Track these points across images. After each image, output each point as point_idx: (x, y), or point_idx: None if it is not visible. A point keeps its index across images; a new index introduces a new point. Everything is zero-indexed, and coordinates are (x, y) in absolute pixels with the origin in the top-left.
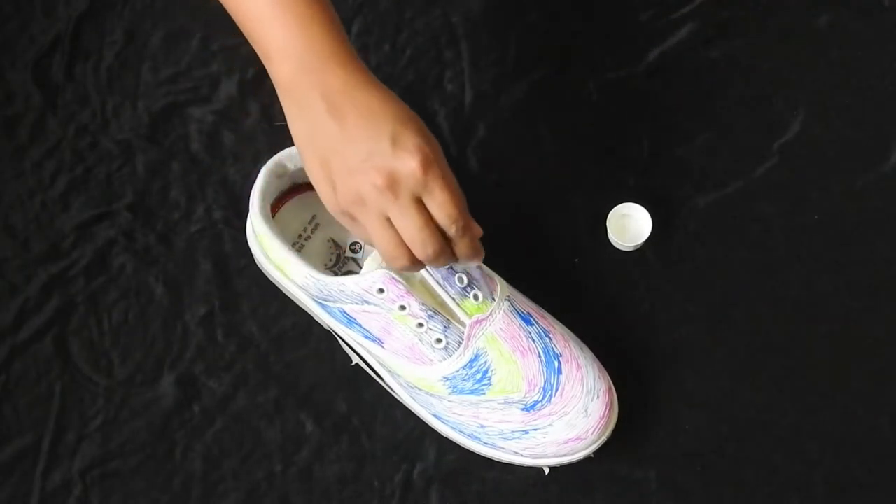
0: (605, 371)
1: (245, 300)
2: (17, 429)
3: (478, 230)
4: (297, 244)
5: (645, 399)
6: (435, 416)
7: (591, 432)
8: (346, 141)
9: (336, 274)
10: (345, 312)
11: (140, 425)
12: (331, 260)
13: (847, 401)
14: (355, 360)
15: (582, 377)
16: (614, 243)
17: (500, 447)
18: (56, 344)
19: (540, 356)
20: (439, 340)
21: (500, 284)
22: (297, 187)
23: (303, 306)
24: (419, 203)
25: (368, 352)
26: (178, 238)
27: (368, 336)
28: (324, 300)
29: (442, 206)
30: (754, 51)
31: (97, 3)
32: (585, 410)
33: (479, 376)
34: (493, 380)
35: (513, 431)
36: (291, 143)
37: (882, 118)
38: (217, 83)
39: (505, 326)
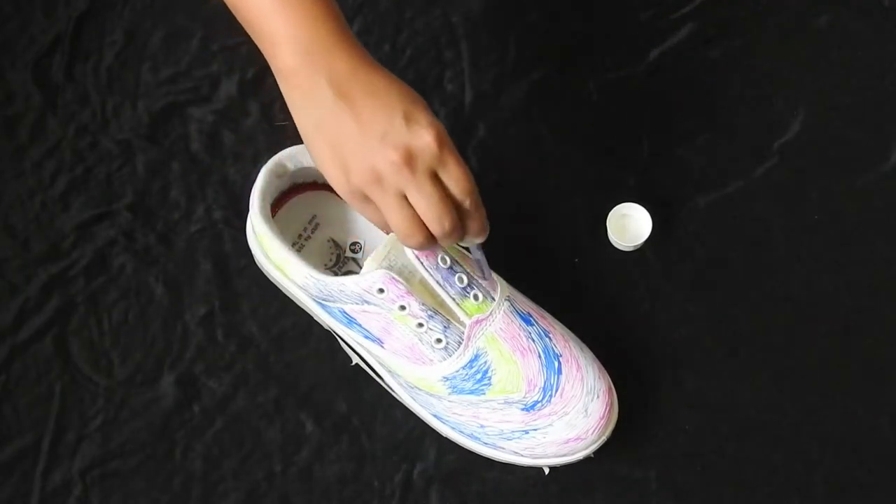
0: (605, 371)
1: (245, 300)
2: (17, 429)
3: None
4: (297, 244)
5: (645, 399)
6: (435, 416)
7: (591, 432)
8: (359, 122)
9: (336, 274)
10: (345, 312)
11: (140, 425)
12: (331, 260)
13: (847, 401)
14: (355, 360)
15: (582, 377)
16: (614, 243)
17: (500, 447)
18: (56, 344)
19: (540, 356)
20: (439, 340)
21: (500, 284)
22: (297, 187)
23: (303, 306)
24: (435, 178)
25: (368, 352)
26: (178, 238)
27: (368, 336)
28: (324, 300)
29: (458, 179)
30: (754, 51)
31: (97, 3)
32: (585, 410)
33: (479, 376)
34: (493, 380)
35: (513, 431)
36: (291, 143)
37: (882, 118)
38: (217, 83)
39: (505, 326)
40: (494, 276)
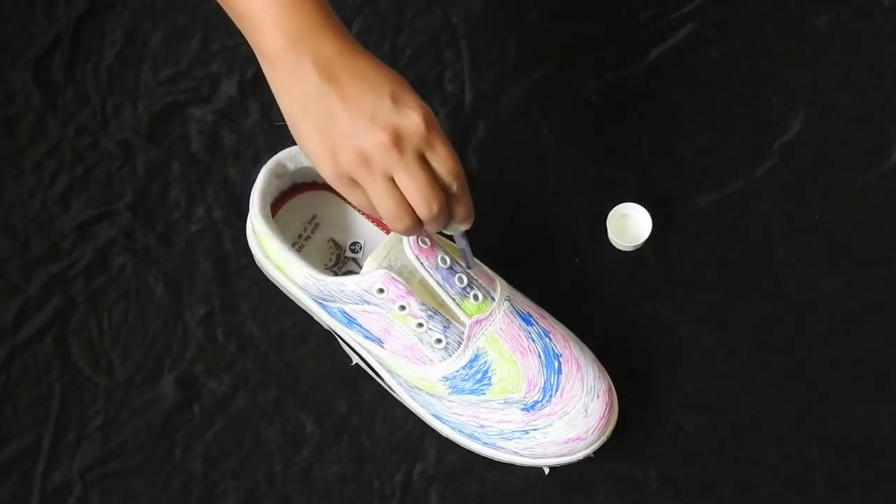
0: (605, 371)
1: (245, 300)
2: (17, 429)
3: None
4: (297, 244)
5: (645, 399)
6: (435, 416)
7: (591, 432)
8: (346, 103)
9: (336, 274)
10: (345, 312)
11: (140, 425)
12: (331, 260)
13: (847, 401)
14: (355, 360)
15: (582, 377)
16: (614, 243)
17: (500, 447)
18: (56, 344)
19: (540, 356)
20: (439, 340)
21: (500, 284)
22: (297, 187)
23: (303, 306)
24: (423, 160)
25: (368, 352)
26: (178, 238)
27: (368, 336)
28: (324, 300)
29: (445, 161)
30: (754, 51)
31: (97, 3)
32: (585, 410)
33: (479, 376)
34: (493, 380)
35: (513, 431)
36: (291, 143)
37: (882, 118)
38: (217, 83)
39: (505, 326)
40: (494, 276)
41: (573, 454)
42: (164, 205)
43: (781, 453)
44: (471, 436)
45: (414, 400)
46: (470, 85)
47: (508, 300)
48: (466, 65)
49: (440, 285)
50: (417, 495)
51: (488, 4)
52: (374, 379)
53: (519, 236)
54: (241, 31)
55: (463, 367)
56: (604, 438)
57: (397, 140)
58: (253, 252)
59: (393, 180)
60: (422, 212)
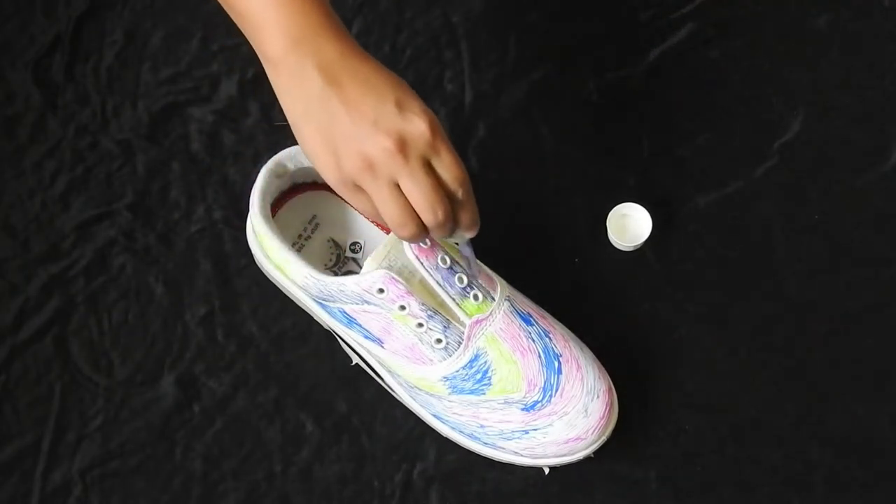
0: (605, 371)
1: (245, 300)
2: (17, 429)
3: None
4: (297, 244)
5: (645, 399)
6: (435, 416)
7: (591, 432)
8: (350, 108)
9: (336, 274)
10: (345, 312)
11: (140, 425)
12: (331, 260)
13: (847, 401)
14: (355, 360)
15: (582, 377)
16: (614, 243)
17: (500, 447)
18: (56, 344)
19: (540, 356)
20: (439, 340)
21: (500, 284)
22: (297, 187)
23: (303, 306)
24: (428, 166)
25: (368, 352)
26: (178, 238)
27: (368, 336)
28: (324, 300)
29: (450, 167)
30: (754, 51)
31: (97, 3)
32: (585, 410)
33: (479, 376)
34: (493, 380)
35: (513, 431)
36: (291, 143)
37: (882, 118)
38: (217, 83)
39: (505, 326)
40: (494, 276)
41: (573, 454)
42: (164, 205)
43: (781, 453)
44: (471, 436)
45: (414, 400)
46: (470, 85)
47: (508, 300)
48: (466, 65)
49: (440, 285)
50: (417, 495)
51: (488, 4)
52: (374, 379)
53: (519, 236)
54: (243, 32)
55: (463, 367)
56: (604, 438)
57: (402, 146)
58: (253, 252)
59: (398, 186)
60: (427, 218)
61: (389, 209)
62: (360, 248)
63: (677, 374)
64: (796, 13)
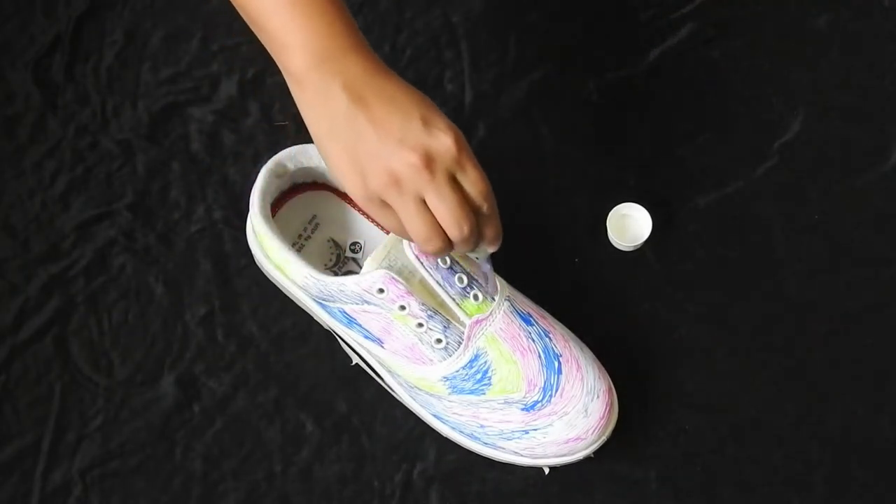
0: (605, 371)
1: (245, 300)
2: (17, 429)
3: None
4: (297, 244)
5: (645, 399)
6: (435, 416)
7: (591, 432)
8: (376, 125)
9: (336, 274)
10: (345, 312)
11: (140, 425)
12: (331, 260)
13: (847, 401)
14: (355, 360)
15: (582, 377)
16: (614, 243)
17: (500, 447)
18: (56, 344)
19: (540, 356)
20: (439, 340)
21: (500, 284)
22: (297, 187)
23: (303, 306)
24: (454, 181)
25: (368, 352)
26: (178, 238)
27: (368, 336)
28: (324, 300)
29: (475, 182)
30: (754, 51)
31: (97, 3)
32: (585, 410)
33: (479, 376)
34: (493, 380)
35: (513, 431)
36: (291, 143)
37: (882, 118)
38: (217, 83)
39: (505, 326)
40: (495, 276)
41: (573, 454)
42: (164, 205)
43: (781, 453)
44: (471, 436)
45: (414, 400)
46: (470, 85)
47: (508, 300)
48: (466, 65)
49: (440, 285)
50: (417, 495)
51: (488, 4)
52: (374, 379)
53: (519, 236)
54: (267, 48)
55: (463, 367)
56: (604, 438)
57: (429, 161)
58: (253, 252)
59: (424, 202)
60: (453, 233)
61: (415, 225)
62: (360, 248)
63: (677, 374)
64: (796, 13)
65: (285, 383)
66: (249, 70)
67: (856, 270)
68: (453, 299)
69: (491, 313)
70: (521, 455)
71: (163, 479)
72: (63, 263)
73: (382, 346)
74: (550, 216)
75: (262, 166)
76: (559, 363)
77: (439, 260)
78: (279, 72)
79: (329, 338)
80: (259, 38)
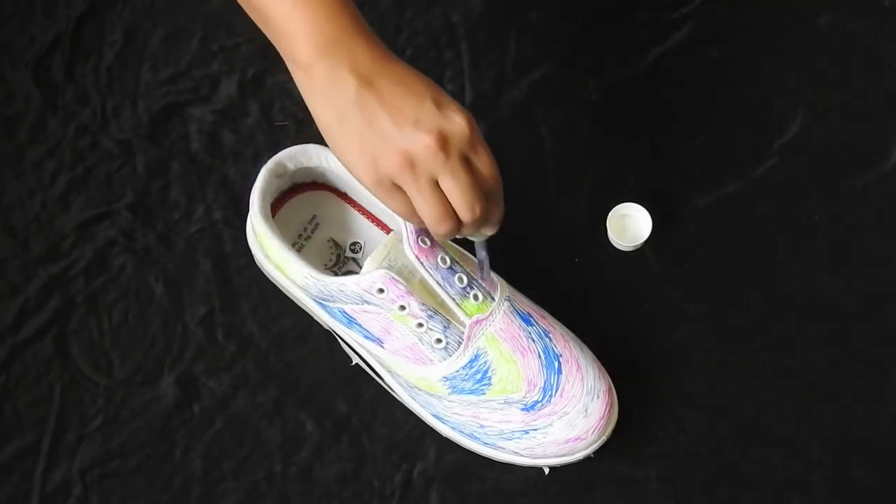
0: (605, 371)
1: (245, 300)
2: (17, 429)
3: None
4: (297, 244)
5: (645, 399)
6: (435, 416)
7: (591, 432)
8: (388, 109)
9: (336, 274)
10: (345, 312)
11: (140, 425)
12: (331, 260)
13: (847, 401)
14: (355, 360)
15: (582, 377)
16: (614, 243)
17: (500, 447)
18: (56, 344)
19: (540, 356)
20: (439, 340)
21: (500, 284)
22: (297, 187)
23: (303, 306)
24: (467, 162)
25: (368, 352)
26: (178, 238)
27: (368, 336)
28: (324, 300)
29: (486, 165)
30: (754, 51)
31: (97, 3)
32: (585, 410)
33: (479, 376)
34: (493, 380)
35: (513, 431)
36: (291, 143)
37: (882, 118)
38: (217, 83)
39: (505, 326)
40: (494, 276)
41: (573, 454)
42: (164, 205)
43: (781, 453)
44: (471, 436)
45: (414, 400)
46: (470, 85)
47: (508, 300)
48: (466, 65)
49: (440, 285)
50: (417, 495)
51: (488, 4)
52: (374, 379)
53: (519, 236)
54: (270, 38)
55: (463, 367)
56: (604, 438)
57: (444, 143)
58: (253, 252)
59: (437, 184)
60: (464, 215)
61: (428, 207)
62: (360, 248)
63: (677, 374)
64: (796, 13)
65: (285, 383)
66: (249, 70)
67: (856, 270)
68: (453, 299)
69: (491, 313)
70: (521, 455)
71: (163, 479)
72: (63, 263)
73: (382, 346)
74: (550, 216)
75: (262, 166)
76: (559, 363)
77: (439, 260)
78: (279, 72)
79: (329, 338)
80: (263, 30)
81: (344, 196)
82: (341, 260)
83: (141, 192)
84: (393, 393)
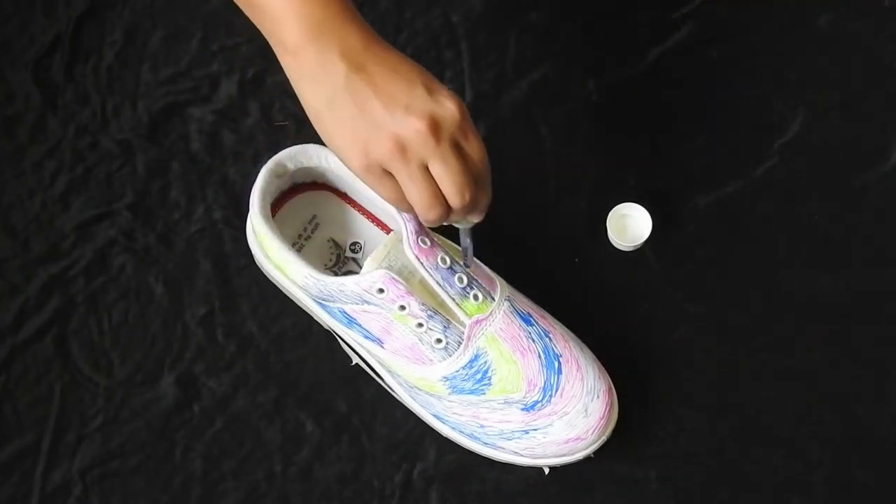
0: (605, 371)
1: (245, 300)
2: (17, 429)
3: None
4: (297, 244)
5: (645, 399)
6: (435, 416)
7: (591, 432)
8: (379, 94)
9: (336, 274)
10: (345, 312)
11: (140, 425)
12: (331, 260)
13: (847, 401)
14: (355, 360)
15: (582, 377)
16: (614, 243)
17: (500, 447)
18: (56, 344)
19: (540, 356)
20: (439, 340)
21: (500, 284)
22: (297, 187)
23: (303, 306)
24: (458, 148)
25: (368, 352)
26: (178, 238)
27: (368, 336)
28: (324, 300)
29: (476, 150)
30: (754, 51)
31: (97, 3)
32: (585, 410)
33: (479, 376)
34: (493, 380)
35: (513, 431)
36: (291, 143)
37: (882, 118)
38: (217, 83)
39: (505, 326)
40: (494, 276)
41: (573, 454)
42: (164, 205)
43: (781, 453)
44: (471, 436)
45: (414, 400)
46: (470, 85)
47: (508, 300)
48: (466, 65)
49: (440, 285)
50: (417, 495)
51: (488, 4)
52: (374, 379)
53: (519, 236)
54: (258, 24)
55: (463, 367)
56: (604, 438)
57: (435, 128)
58: (253, 252)
59: (427, 169)
60: (454, 201)
61: (419, 192)
62: (360, 248)
63: (677, 374)
64: (796, 13)
65: (285, 383)
66: (249, 70)
67: (856, 270)
68: (453, 299)
69: (491, 313)
70: (521, 455)
71: (163, 479)
72: (63, 263)
73: (382, 346)
74: (550, 216)
75: (262, 166)
76: (559, 363)
77: (439, 260)
78: (279, 72)
79: (329, 338)
80: (249, 15)
81: (344, 196)
82: (341, 260)
83: (141, 192)
84: (393, 393)
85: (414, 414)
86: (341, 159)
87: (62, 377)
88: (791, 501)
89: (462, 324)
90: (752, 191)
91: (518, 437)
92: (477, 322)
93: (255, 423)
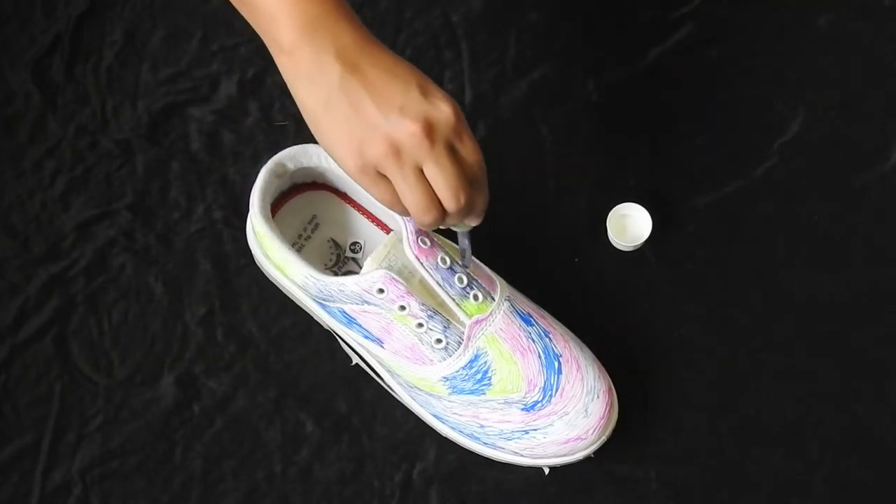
0: (605, 371)
1: (245, 300)
2: (17, 429)
3: None
4: (297, 244)
5: (645, 399)
6: (435, 416)
7: (591, 432)
8: (375, 95)
9: (336, 274)
10: (345, 312)
11: (140, 425)
12: (331, 260)
13: (847, 401)
14: (355, 360)
15: (582, 377)
16: (614, 243)
17: (500, 447)
18: (56, 344)
19: (540, 356)
20: (439, 340)
21: (500, 284)
22: (297, 187)
23: (303, 306)
24: (452, 151)
25: (368, 352)
26: (178, 238)
27: (368, 336)
28: (324, 300)
29: (472, 152)
30: (754, 51)
31: (97, 3)
32: (585, 410)
33: (479, 376)
34: (493, 380)
35: (513, 431)
36: (291, 143)
37: (882, 118)
38: (217, 83)
39: (505, 326)
40: (494, 276)
41: (573, 454)
42: (164, 205)
43: (781, 453)
44: (471, 436)
45: (414, 400)
46: (470, 85)
47: (508, 300)
48: (466, 65)
49: (440, 285)
50: (417, 495)
51: (488, 4)
52: (374, 379)
53: (519, 236)
54: (253, 24)
55: (463, 368)
56: (604, 438)
57: (430, 130)
58: (253, 252)
59: (422, 172)
60: (449, 204)
61: (413, 195)
62: (360, 248)
63: (677, 374)
64: (796, 13)
65: (285, 383)
66: (249, 70)
67: (855, 270)
68: (453, 299)
69: (491, 313)
70: (521, 455)
71: (163, 479)
72: (63, 263)
73: (382, 346)
74: (550, 216)
75: (262, 166)
76: (559, 363)
77: (439, 260)
78: (279, 72)
79: (329, 338)
80: (247, 17)
81: (344, 196)
82: (341, 260)
83: (141, 192)
84: (393, 393)
85: (414, 414)
86: (336, 160)
87: (62, 377)
88: (791, 501)
89: (462, 324)
90: (752, 191)
91: (518, 437)
92: (477, 322)
93: (255, 423)
